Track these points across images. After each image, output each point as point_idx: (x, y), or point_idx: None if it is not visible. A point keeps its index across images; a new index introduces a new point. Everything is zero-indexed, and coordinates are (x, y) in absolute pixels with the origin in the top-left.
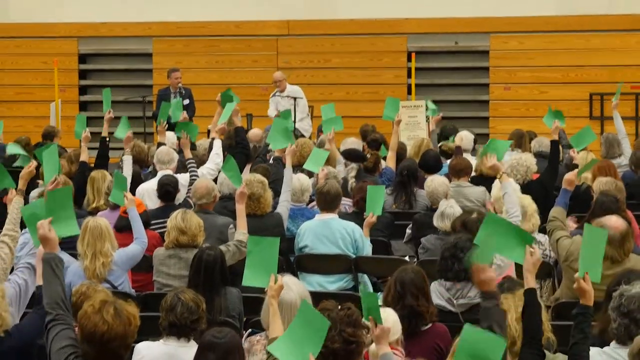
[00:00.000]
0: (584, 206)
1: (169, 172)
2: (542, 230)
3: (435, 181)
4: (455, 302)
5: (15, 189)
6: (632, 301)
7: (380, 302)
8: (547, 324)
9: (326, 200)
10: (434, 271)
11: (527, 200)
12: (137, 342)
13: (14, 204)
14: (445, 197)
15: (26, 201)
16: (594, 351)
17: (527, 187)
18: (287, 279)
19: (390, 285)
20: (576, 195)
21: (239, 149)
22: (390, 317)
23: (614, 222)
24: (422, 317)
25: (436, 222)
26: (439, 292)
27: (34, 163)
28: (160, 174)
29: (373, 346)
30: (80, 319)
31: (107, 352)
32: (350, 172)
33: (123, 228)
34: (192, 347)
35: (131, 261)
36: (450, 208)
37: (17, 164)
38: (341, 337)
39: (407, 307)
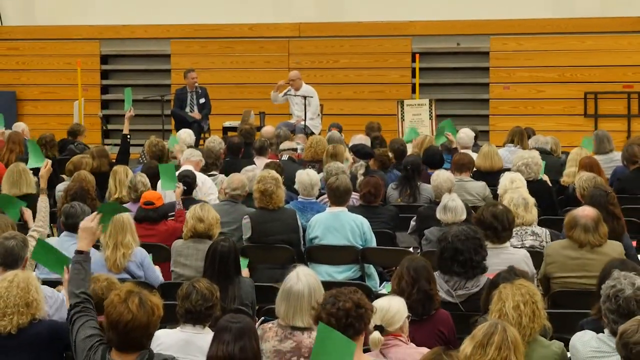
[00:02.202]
0: (573, 205)
1: (190, 167)
2: (540, 223)
3: (441, 176)
4: (454, 293)
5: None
6: (631, 302)
7: (386, 291)
8: (543, 312)
9: (336, 195)
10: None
11: (527, 193)
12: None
13: (40, 203)
14: (449, 192)
15: (52, 196)
16: (589, 336)
17: (533, 184)
18: (299, 270)
19: (403, 272)
20: (565, 194)
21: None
22: (394, 305)
23: (587, 211)
24: (433, 301)
25: (439, 214)
26: (438, 285)
27: (48, 162)
28: (181, 169)
29: (373, 334)
30: (107, 307)
31: (129, 340)
32: (360, 169)
33: (142, 219)
34: (207, 334)
35: (146, 268)
36: (453, 202)
37: (30, 165)
38: (352, 300)
39: (422, 292)
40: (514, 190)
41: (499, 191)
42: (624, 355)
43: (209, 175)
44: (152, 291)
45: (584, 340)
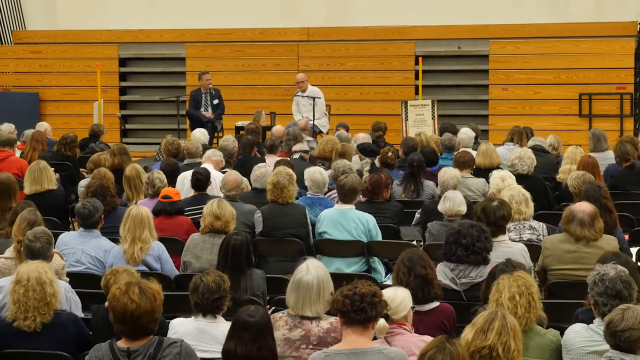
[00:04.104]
0: (567, 201)
1: (211, 165)
2: (536, 218)
3: (448, 173)
4: (458, 281)
5: None
6: (616, 282)
7: (391, 282)
8: (539, 303)
9: (343, 193)
10: (438, 254)
11: (523, 189)
12: (172, 318)
13: None
14: (455, 188)
15: (75, 192)
16: (580, 327)
17: (528, 180)
18: (309, 262)
19: (399, 264)
20: (560, 190)
21: None
22: (399, 295)
23: (584, 206)
24: (432, 284)
25: (440, 206)
26: (443, 273)
27: None
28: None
29: (379, 322)
30: (111, 302)
31: (138, 328)
32: (365, 166)
33: (159, 212)
34: (219, 323)
35: (163, 261)
36: (452, 193)
37: None
38: (369, 289)
39: (419, 277)
40: (510, 187)
41: (492, 189)
42: (613, 344)
43: (223, 173)
44: (149, 278)
45: (575, 331)
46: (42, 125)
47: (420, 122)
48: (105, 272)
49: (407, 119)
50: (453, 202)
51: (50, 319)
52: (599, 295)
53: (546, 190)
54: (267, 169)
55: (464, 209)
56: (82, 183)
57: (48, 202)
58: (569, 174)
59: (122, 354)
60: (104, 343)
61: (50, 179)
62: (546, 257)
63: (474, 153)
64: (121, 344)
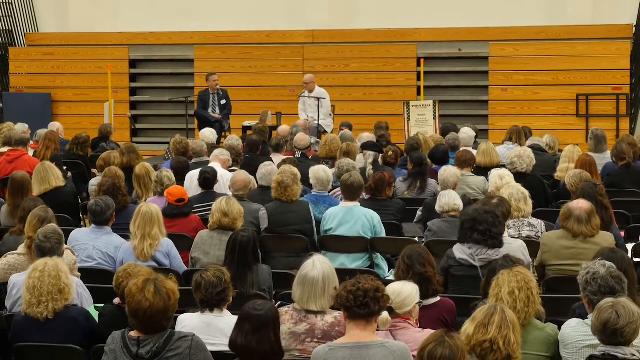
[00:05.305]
0: (565, 199)
1: (218, 164)
2: (535, 215)
3: (448, 171)
4: (476, 257)
5: None
6: (608, 279)
7: (393, 277)
8: (538, 297)
9: (350, 191)
10: (439, 250)
11: (522, 187)
12: (180, 312)
13: None
14: (455, 185)
15: (86, 190)
16: (576, 322)
17: (526, 178)
18: (316, 258)
19: (399, 262)
20: (558, 188)
21: None
22: (406, 289)
23: (581, 204)
24: (431, 281)
25: (437, 205)
26: (461, 250)
27: None
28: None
29: (382, 315)
30: (127, 297)
31: (151, 325)
32: (369, 158)
33: (169, 215)
34: (225, 317)
35: (172, 257)
36: (446, 191)
37: None
38: (372, 284)
39: (417, 275)
40: (509, 185)
41: (491, 188)
42: (616, 342)
43: (231, 171)
44: (168, 275)
45: (572, 326)
46: (55, 125)
47: (422, 122)
48: (117, 272)
49: (409, 119)
50: (448, 198)
51: (62, 308)
52: (594, 294)
53: (544, 188)
54: (273, 167)
55: (459, 202)
56: (93, 181)
57: (58, 199)
58: (566, 172)
59: (132, 342)
60: (118, 331)
61: (57, 176)
62: (544, 253)
63: (474, 152)
64: (133, 334)
